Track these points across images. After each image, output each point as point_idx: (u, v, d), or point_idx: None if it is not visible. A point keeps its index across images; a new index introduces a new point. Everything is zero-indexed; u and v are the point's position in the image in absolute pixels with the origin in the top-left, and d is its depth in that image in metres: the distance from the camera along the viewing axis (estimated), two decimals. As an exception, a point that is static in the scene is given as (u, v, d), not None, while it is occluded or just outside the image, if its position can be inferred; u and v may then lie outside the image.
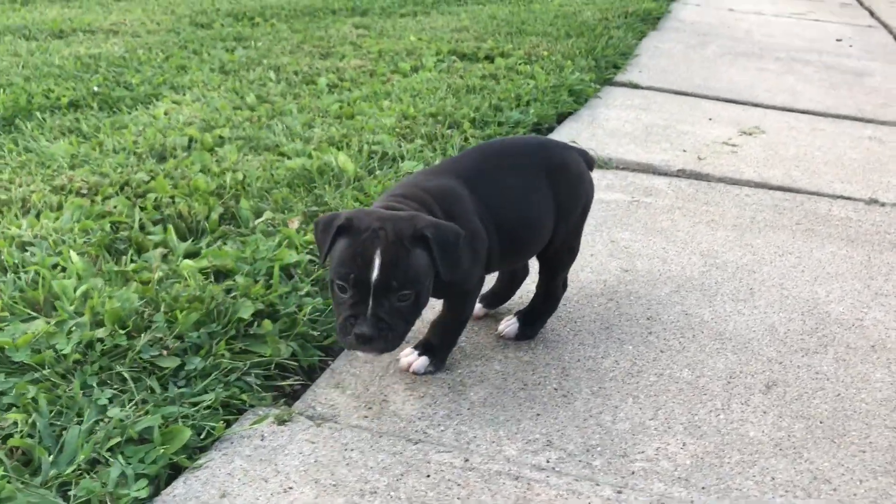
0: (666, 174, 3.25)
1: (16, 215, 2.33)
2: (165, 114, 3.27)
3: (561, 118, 3.79)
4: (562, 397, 1.77)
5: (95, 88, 3.60)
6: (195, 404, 1.58)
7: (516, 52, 4.61)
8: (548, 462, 1.57)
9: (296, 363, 1.79)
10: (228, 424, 1.59)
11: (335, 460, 1.53)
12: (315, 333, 1.88)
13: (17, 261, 2.01)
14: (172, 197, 2.41)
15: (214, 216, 2.33)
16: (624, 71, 4.80)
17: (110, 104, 3.50)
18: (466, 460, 1.55)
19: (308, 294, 1.98)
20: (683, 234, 2.65)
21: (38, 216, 2.31)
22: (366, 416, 1.66)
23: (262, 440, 1.56)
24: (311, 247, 2.21)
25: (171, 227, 2.21)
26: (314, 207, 2.45)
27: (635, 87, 4.51)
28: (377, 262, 1.43)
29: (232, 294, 1.88)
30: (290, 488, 1.45)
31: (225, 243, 2.20)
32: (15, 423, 1.48)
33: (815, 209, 2.94)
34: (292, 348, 1.78)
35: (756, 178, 3.21)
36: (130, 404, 1.55)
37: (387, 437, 1.60)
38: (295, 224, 2.35)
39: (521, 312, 1.95)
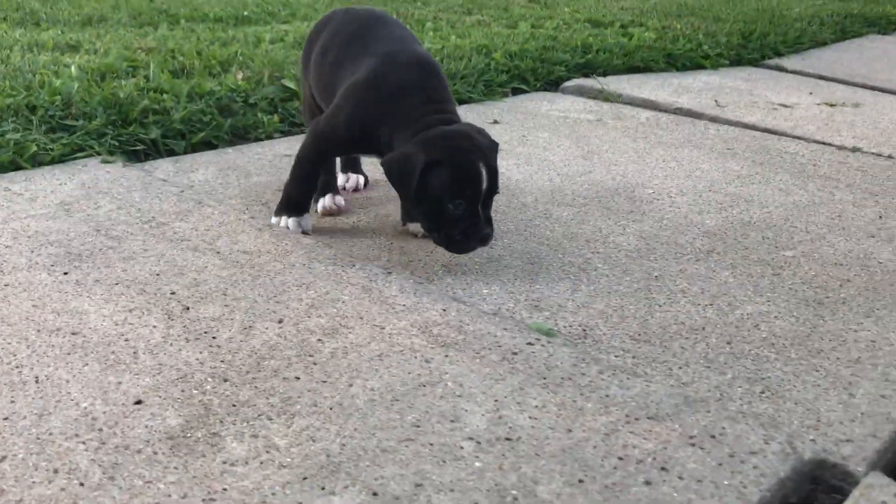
0: (665, 110, 3.12)
1: None
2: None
3: (633, 70, 3.76)
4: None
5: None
6: None
7: (651, 25, 4.56)
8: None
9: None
10: None
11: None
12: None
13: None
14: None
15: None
16: (786, 57, 4.52)
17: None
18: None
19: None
20: (606, 145, 2.60)
21: None
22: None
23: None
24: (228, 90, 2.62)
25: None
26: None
27: (781, 69, 4.25)
28: (485, 174, 1.61)
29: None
30: None
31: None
32: None
33: (768, 146, 2.66)
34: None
35: (744, 121, 2.96)
36: None
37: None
38: (239, 76, 2.77)
39: None
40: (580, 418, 1.18)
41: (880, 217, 2.12)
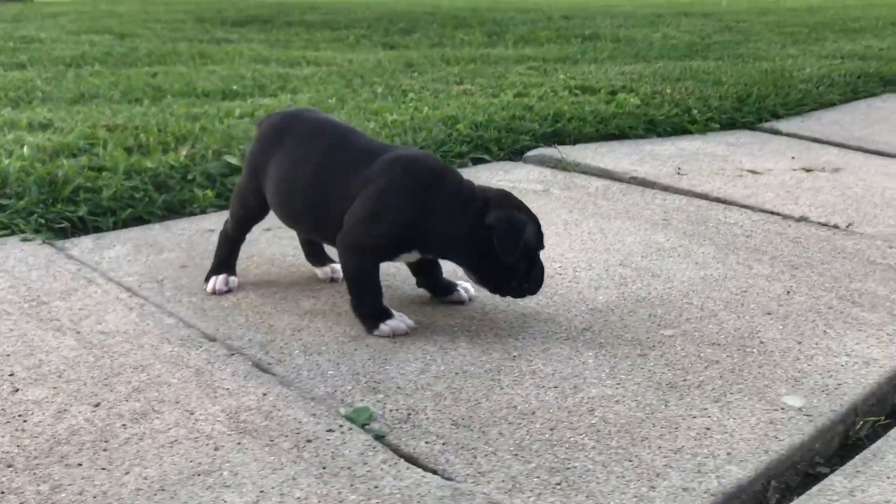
0: (619, 179, 3.09)
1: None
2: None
3: (609, 137, 3.76)
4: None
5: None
6: None
7: (641, 91, 4.55)
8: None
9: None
10: None
11: None
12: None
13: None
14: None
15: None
16: (785, 120, 4.45)
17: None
18: None
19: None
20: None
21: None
22: None
23: None
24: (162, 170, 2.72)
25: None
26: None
27: (776, 132, 4.19)
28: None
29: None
30: None
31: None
32: None
33: (710, 216, 2.61)
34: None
35: (696, 190, 2.92)
36: None
37: None
38: (183, 152, 2.87)
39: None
40: (339, 511, 1.17)
41: (788, 293, 2.05)
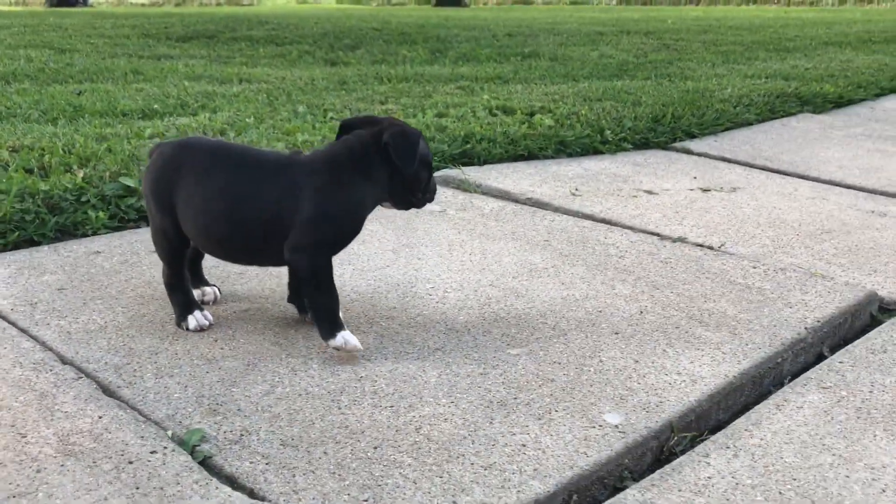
0: (515, 200, 3.19)
1: None
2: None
3: (519, 158, 3.86)
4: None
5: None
6: None
7: (559, 111, 4.67)
8: None
9: None
10: None
11: None
12: None
13: None
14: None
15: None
16: (699, 139, 4.59)
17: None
18: None
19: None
20: (426, 238, 2.68)
21: None
22: None
23: None
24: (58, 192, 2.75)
25: None
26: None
27: (687, 152, 4.32)
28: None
29: None
30: None
31: None
32: None
33: (590, 237, 2.71)
34: None
35: (585, 211, 3.02)
36: None
37: None
38: (80, 174, 2.91)
39: None
40: (139, 530, 1.23)
41: (641, 312, 2.15)
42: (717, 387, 1.77)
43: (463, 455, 1.49)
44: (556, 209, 3.10)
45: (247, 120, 4.11)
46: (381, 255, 2.52)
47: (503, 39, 9.13)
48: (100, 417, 1.54)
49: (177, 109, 4.42)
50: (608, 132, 4.33)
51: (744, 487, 1.43)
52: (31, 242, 2.57)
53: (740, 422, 1.66)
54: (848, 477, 1.48)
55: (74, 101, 4.50)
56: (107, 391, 1.66)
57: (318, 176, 1.85)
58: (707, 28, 10.70)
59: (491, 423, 1.60)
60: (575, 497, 1.43)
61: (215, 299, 2.13)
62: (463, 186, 3.38)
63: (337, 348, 1.83)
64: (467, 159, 3.77)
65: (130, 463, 1.40)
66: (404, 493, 1.37)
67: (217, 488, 1.34)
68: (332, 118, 4.32)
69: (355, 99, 5.00)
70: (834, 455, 1.55)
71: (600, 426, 1.60)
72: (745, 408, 1.78)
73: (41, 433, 1.48)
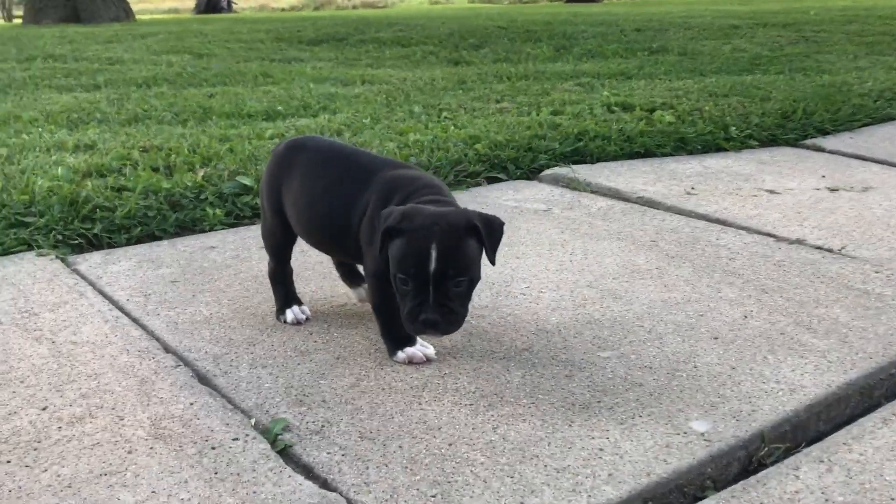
0: (625, 199, 3.13)
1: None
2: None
3: (634, 155, 3.79)
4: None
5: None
6: None
7: (681, 108, 4.54)
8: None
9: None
10: None
11: None
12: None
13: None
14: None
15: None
16: (833, 136, 4.37)
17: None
18: None
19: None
20: (529, 238, 2.68)
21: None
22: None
23: None
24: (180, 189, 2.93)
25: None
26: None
27: (818, 149, 4.12)
28: (434, 254, 1.61)
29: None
30: None
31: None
32: None
33: (701, 237, 2.62)
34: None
35: (698, 211, 2.93)
36: None
37: None
38: (201, 173, 3.07)
39: None
40: (216, 512, 1.29)
41: (745, 317, 2.06)
42: (817, 397, 1.68)
43: (537, 456, 1.47)
44: (669, 208, 3.01)
45: (363, 121, 4.22)
46: (481, 254, 2.52)
47: (631, 34, 8.95)
48: (191, 404, 1.62)
49: (299, 111, 4.59)
50: (733, 129, 4.17)
51: (835, 505, 1.35)
52: (152, 237, 2.73)
53: (839, 435, 1.57)
54: (956, 500, 1.37)
55: (205, 104, 4.74)
56: (202, 379, 1.75)
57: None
58: (853, 18, 10.11)
59: (570, 425, 1.58)
60: (650, 504, 1.39)
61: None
62: (572, 185, 3.34)
63: (399, 362, 1.83)
64: (579, 157, 3.73)
65: (213, 448, 1.47)
66: (473, 491, 1.37)
67: (290, 476, 1.39)
68: (445, 118, 4.36)
69: (472, 98, 5.02)
70: (943, 476, 1.44)
71: (685, 433, 1.55)
72: (850, 420, 1.68)
73: (137, 417, 1.57)
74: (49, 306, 2.10)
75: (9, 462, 1.43)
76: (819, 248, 2.58)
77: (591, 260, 2.47)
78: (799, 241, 2.64)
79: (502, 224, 1.75)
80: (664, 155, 3.87)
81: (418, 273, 1.64)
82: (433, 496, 1.37)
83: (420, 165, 3.32)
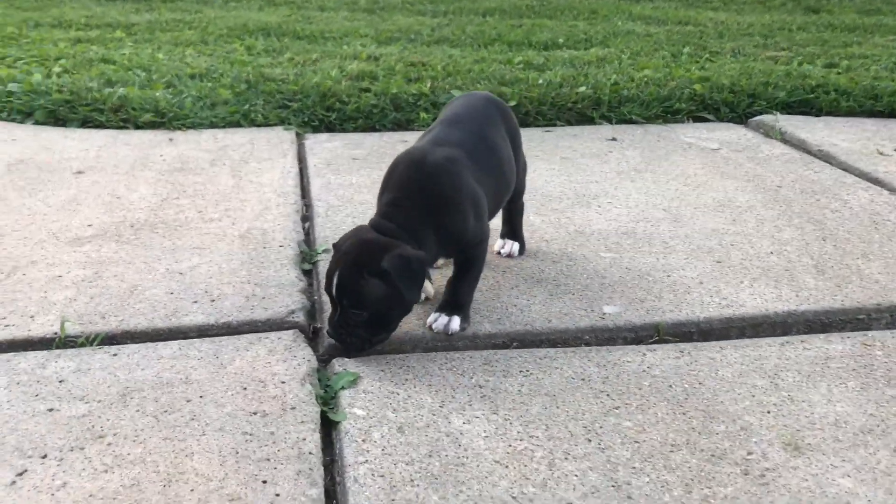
0: (806, 151, 3.21)
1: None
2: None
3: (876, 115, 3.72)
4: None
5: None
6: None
7: None
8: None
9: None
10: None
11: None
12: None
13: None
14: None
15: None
16: None
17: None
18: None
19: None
20: (683, 178, 2.99)
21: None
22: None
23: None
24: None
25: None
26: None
27: None
28: (335, 282, 1.69)
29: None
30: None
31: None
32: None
33: (830, 191, 2.70)
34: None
35: (866, 170, 2.95)
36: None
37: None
38: (429, 84, 3.80)
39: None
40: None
41: (770, 254, 2.24)
42: (744, 315, 1.90)
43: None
44: (840, 164, 3.04)
45: (621, 56, 4.58)
46: (629, 188, 2.90)
47: None
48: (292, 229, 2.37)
49: (579, 45, 5.06)
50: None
51: None
52: (373, 129, 3.52)
53: (725, 343, 1.81)
54: None
55: (507, 34, 5.42)
56: (304, 219, 2.48)
57: None
58: None
59: (531, 299, 2.02)
60: None
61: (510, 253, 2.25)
62: (766, 132, 3.46)
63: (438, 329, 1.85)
64: (806, 109, 3.76)
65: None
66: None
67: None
68: (706, 59, 4.54)
69: (748, 44, 5.05)
70: None
71: (593, 311, 1.91)
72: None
73: (253, 223, 2.36)
74: (258, 159, 2.99)
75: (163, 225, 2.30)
76: (948, 216, 2.53)
77: (696, 192, 2.72)
78: (931, 208, 2.59)
79: (421, 262, 1.71)
80: (908, 116, 3.71)
81: (329, 292, 1.72)
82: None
83: (625, 98, 3.68)
